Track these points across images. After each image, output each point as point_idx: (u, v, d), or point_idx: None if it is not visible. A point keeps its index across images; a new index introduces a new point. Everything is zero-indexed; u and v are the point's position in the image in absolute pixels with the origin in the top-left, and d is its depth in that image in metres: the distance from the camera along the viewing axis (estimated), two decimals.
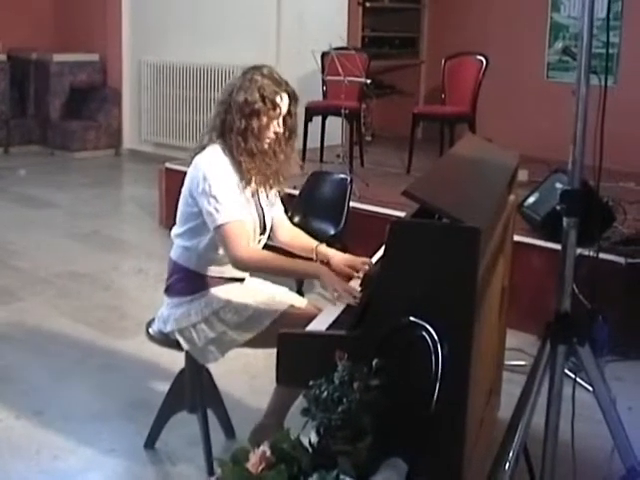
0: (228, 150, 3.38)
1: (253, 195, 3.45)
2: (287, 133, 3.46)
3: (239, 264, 3.32)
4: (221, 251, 3.37)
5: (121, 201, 9.24)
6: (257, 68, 3.41)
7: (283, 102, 3.38)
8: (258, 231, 3.46)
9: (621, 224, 5.34)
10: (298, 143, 7.43)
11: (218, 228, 3.27)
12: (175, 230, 3.52)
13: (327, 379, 2.46)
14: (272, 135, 3.40)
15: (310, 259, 3.59)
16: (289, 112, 3.43)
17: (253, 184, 3.40)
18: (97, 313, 5.52)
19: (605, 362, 4.49)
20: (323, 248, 3.60)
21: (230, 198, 3.30)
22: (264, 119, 3.34)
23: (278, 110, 3.36)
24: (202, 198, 3.30)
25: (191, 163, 3.43)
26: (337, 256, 3.54)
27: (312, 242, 3.65)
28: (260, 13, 9.19)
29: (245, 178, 3.38)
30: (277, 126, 3.39)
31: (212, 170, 3.32)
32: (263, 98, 3.32)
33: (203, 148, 3.42)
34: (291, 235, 3.68)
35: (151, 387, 4.36)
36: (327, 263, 3.51)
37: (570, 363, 3.01)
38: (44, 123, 11.01)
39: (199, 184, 3.31)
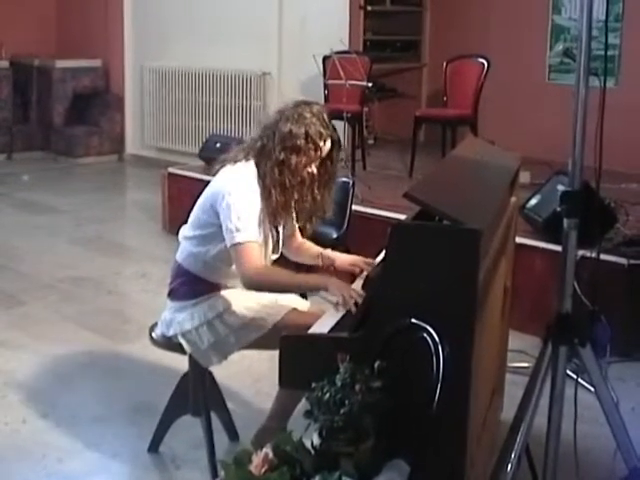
0: (261, 176, 3.34)
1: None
2: (326, 177, 3.43)
3: (249, 284, 3.27)
4: (228, 265, 3.36)
5: (124, 206, 9.26)
6: (308, 104, 3.38)
7: (325, 146, 3.34)
8: (270, 252, 3.46)
9: (623, 225, 5.34)
10: None
11: (235, 246, 3.23)
12: (185, 232, 3.51)
13: (329, 381, 2.47)
14: (305, 175, 3.36)
15: (316, 265, 3.61)
16: (330, 157, 3.40)
17: (274, 213, 3.36)
18: (100, 318, 5.53)
19: (608, 363, 4.50)
20: (328, 252, 3.61)
21: (253, 218, 3.26)
22: (303, 158, 3.31)
23: (319, 152, 3.33)
24: (225, 212, 3.26)
25: (217, 172, 3.42)
26: (342, 258, 3.57)
27: (317, 248, 3.66)
28: (262, 17, 9.21)
29: (270, 209, 3.33)
30: (313, 167, 3.36)
31: (241, 187, 3.29)
32: (307, 136, 3.28)
33: (235, 162, 3.39)
34: (297, 245, 3.67)
35: (154, 391, 4.36)
36: (332, 266, 3.53)
37: (573, 364, 3.02)
38: (47, 129, 11.02)
39: (225, 197, 3.27)
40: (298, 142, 3.28)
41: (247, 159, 3.38)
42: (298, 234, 3.67)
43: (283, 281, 3.29)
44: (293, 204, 3.40)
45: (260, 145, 3.37)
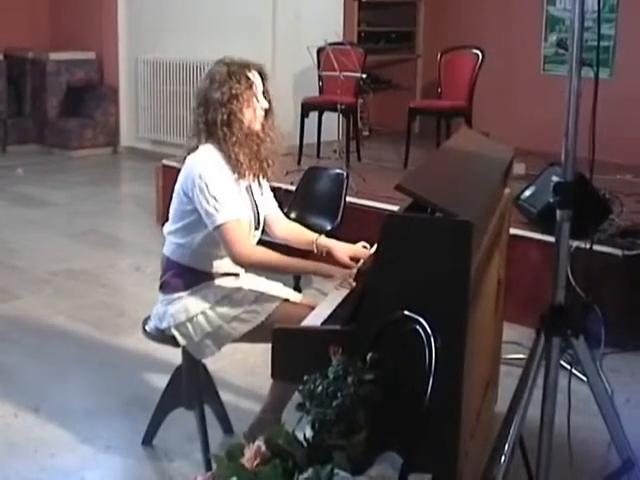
0: (219, 146, 3.39)
1: (247, 190, 3.46)
2: (266, 111, 3.50)
3: (241, 261, 3.34)
4: (216, 248, 3.39)
5: (119, 199, 9.23)
6: (218, 61, 3.47)
7: (255, 77, 3.42)
8: (253, 226, 3.47)
9: (617, 216, 5.33)
10: (294, 139, 7.52)
11: (218, 228, 3.28)
12: (168, 227, 3.53)
13: (321, 374, 2.46)
14: (260, 112, 3.44)
15: (311, 252, 3.60)
16: (264, 90, 3.47)
17: (246, 174, 3.41)
18: (94, 311, 5.52)
19: (602, 354, 4.49)
20: (323, 240, 3.60)
21: (228, 196, 3.31)
22: (242, 98, 3.37)
23: (254, 87, 3.41)
24: (199, 197, 3.30)
25: (184, 162, 3.45)
26: (338, 248, 3.53)
27: (311, 235, 3.66)
28: (256, 9, 9.19)
29: (238, 170, 3.39)
30: (255, 104, 3.42)
31: (208, 169, 3.33)
32: (237, 80, 3.36)
33: (195, 148, 3.43)
34: (288, 230, 3.68)
35: (148, 384, 4.37)
36: (328, 254, 3.52)
37: (568, 356, 3.01)
38: (41, 122, 10.98)
39: (195, 183, 3.31)
40: (233, 91, 3.36)
41: (202, 142, 3.42)
42: (282, 216, 3.71)
43: (274, 260, 3.36)
44: (253, 153, 3.43)
45: (203, 122, 3.42)
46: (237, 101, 3.36)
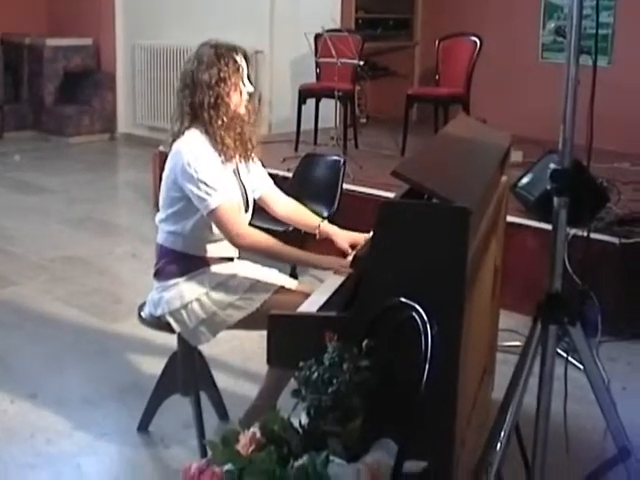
0: (205, 130, 3.38)
1: (234, 173, 3.45)
2: (250, 95, 3.50)
3: (239, 242, 3.33)
4: (209, 232, 3.39)
5: (115, 185, 9.22)
6: (204, 44, 3.45)
7: (242, 61, 3.42)
8: (243, 209, 3.47)
9: (615, 204, 5.33)
10: (292, 125, 7.49)
11: (212, 212, 3.27)
12: (159, 216, 3.52)
13: (317, 360, 2.45)
14: (246, 97, 3.44)
15: (310, 235, 3.62)
16: (248, 74, 3.47)
17: (232, 157, 3.41)
18: (91, 297, 5.52)
19: (599, 342, 4.49)
20: (326, 226, 3.61)
21: (218, 180, 3.31)
22: (230, 82, 3.36)
23: (241, 70, 3.40)
24: (189, 184, 3.29)
25: (170, 149, 3.43)
26: (340, 234, 3.54)
27: (314, 219, 3.65)
28: None
29: (224, 153, 3.38)
30: (241, 87, 3.42)
31: (195, 154, 3.32)
32: (225, 63, 3.35)
33: (181, 134, 3.41)
34: (289, 208, 3.68)
35: (144, 370, 4.37)
36: (329, 241, 3.51)
37: (564, 344, 3.01)
38: (38, 108, 10.96)
39: (184, 170, 3.30)
40: (221, 74, 3.35)
41: (186, 125, 3.40)
42: (281, 194, 3.69)
43: (272, 245, 3.35)
44: (240, 136, 3.42)
45: (189, 105, 3.40)
46: (225, 84, 3.35)
